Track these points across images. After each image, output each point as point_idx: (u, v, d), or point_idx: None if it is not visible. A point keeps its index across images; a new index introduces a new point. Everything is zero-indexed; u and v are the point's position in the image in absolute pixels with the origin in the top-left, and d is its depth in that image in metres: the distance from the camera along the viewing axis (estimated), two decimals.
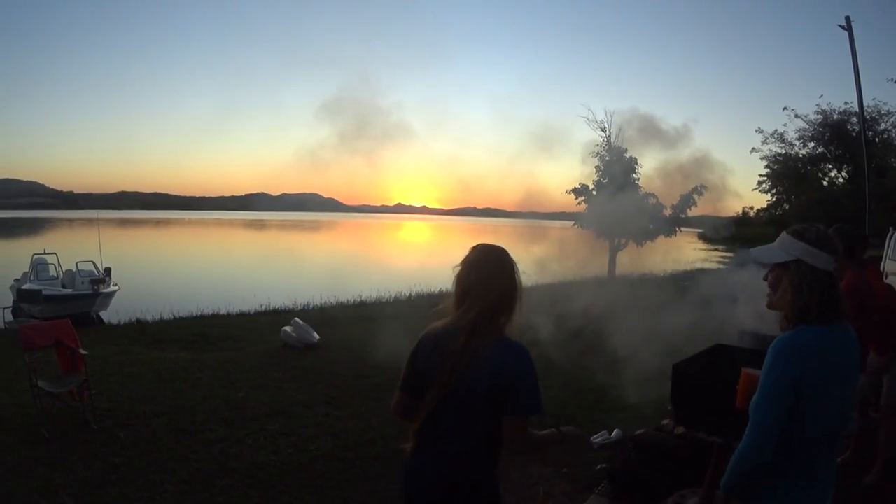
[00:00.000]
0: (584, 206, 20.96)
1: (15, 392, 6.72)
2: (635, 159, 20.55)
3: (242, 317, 15.01)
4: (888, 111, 28.01)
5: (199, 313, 15.40)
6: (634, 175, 20.67)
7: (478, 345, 2.12)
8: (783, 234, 2.12)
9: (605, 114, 20.69)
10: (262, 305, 16.34)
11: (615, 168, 20.29)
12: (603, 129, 21.01)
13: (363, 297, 16.45)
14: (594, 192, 20.87)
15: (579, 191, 20.93)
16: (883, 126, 28.53)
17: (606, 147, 21.10)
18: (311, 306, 16.19)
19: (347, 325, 9.60)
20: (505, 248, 2.30)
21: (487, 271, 2.20)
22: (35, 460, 5.01)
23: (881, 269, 10.69)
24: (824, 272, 2.00)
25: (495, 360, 2.11)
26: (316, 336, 10.07)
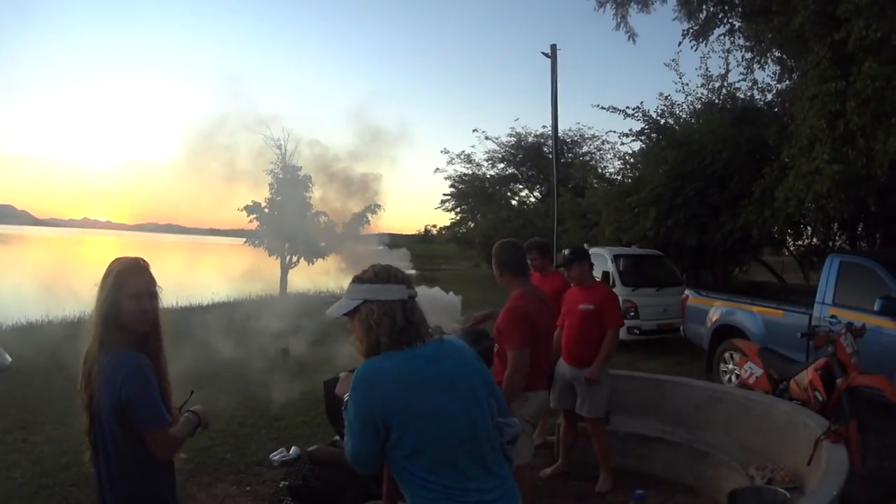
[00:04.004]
0: (255, 223, 20.62)
1: None
2: (309, 177, 20.81)
3: None
4: (593, 135, 30.27)
5: None
6: (307, 193, 20.88)
7: (96, 359, 2.18)
8: (348, 285, 2.19)
9: (282, 132, 20.66)
10: None
11: (288, 186, 20.35)
12: (279, 147, 20.91)
13: (50, 318, 14.72)
14: (266, 211, 20.66)
15: (252, 208, 20.52)
16: (586, 149, 30.64)
17: (281, 165, 21.06)
18: (3, 327, 14.18)
19: (40, 345, 8.92)
20: (133, 260, 2.33)
21: (101, 285, 2.27)
22: None
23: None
24: (396, 301, 2.07)
25: (110, 375, 2.14)
26: (8, 358, 8.59)
